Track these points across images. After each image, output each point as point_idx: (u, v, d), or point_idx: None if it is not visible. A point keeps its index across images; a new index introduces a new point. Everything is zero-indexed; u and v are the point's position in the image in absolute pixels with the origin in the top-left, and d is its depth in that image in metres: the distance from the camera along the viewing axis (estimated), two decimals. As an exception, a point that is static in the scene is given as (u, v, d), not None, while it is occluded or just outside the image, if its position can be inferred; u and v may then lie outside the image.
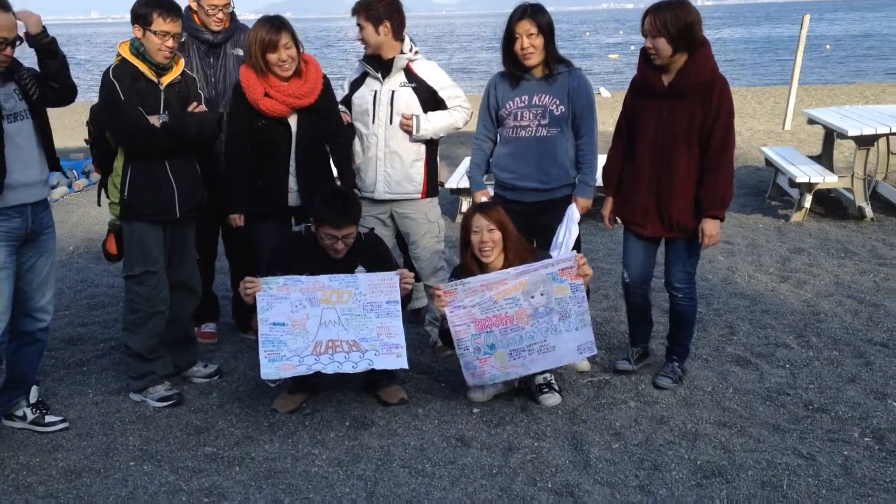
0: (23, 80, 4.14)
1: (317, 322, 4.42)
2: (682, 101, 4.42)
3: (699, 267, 5.84)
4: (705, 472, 3.91)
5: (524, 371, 4.54)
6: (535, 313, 4.47)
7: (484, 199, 5.00)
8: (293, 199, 4.99)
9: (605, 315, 5.98)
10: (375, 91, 5.09)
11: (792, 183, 8.52)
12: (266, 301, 4.40)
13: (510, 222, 4.60)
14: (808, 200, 8.39)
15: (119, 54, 4.55)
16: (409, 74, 5.10)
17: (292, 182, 4.97)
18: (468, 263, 4.66)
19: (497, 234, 4.55)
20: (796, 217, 8.49)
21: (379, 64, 5.08)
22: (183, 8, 4.77)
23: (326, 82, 4.99)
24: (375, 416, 4.57)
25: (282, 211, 5.03)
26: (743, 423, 4.38)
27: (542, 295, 4.47)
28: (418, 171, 5.19)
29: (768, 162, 9.58)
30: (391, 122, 5.07)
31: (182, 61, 4.76)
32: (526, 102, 4.77)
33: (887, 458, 3.98)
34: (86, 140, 4.86)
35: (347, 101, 5.21)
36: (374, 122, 5.08)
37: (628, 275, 4.90)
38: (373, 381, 4.75)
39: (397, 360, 4.46)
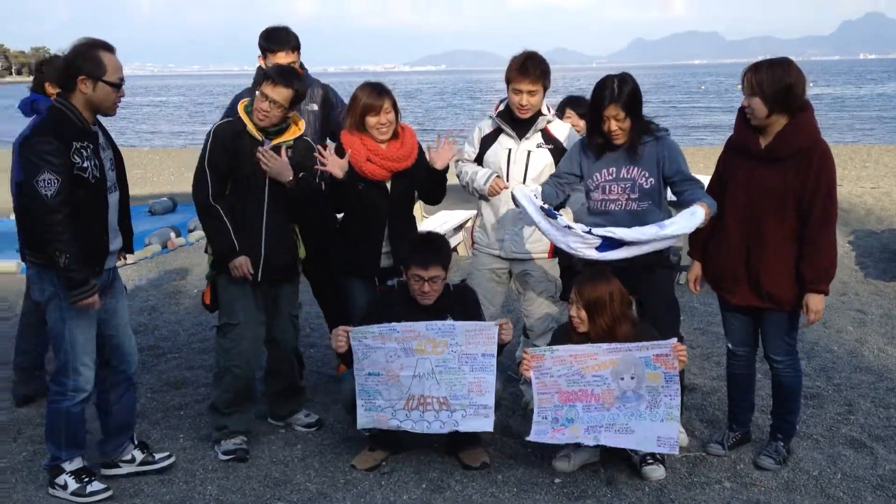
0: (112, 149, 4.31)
1: (411, 373, 4.38)
2: (777, 166, 4.16)
3: (825, 337, 5.41)
4: (796, 566, 3.58)
5: (593, 443, 4.32)
6: (622, 396, 4.25)
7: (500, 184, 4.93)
8: (384, 260, 4.99)
9: (714, 385, 5.66)
10: (510, 150, 5.04)
11: (936, 250, 7.93)
12: (361, 351, 4.38)
13: (612, 299, 4.29)
14: (953, 269, 7.78)
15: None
16: (546, 135, 5.06)
17: (385, 244, 4.97)
18: (570, 328, 4.49)
19: (584, 314, 4.35)
20: (940, 287, 7.88)
21: (513, 121, 5.04)
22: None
23: (421, 149, 5.03)
24: (453, 479, 4.44)
25: (374, 272, 5.02)
26: (847, 513, 4.01)
27: (632, 378, 4.24)
28: None
29: (912, 226, 8.97)
30: (524, 182, 4.99)
31: (303, 127, 4.85)
32: (614, 175, 4.54)
33: None
34: None
35: (479, 158, 5.16)
36: (507, 181, 5.02)
37: (731, 342, 4.63)
38: (455, 442, 4.62)
39: (484, 422, 4.38)
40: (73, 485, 4.24)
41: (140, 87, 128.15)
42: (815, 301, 4.21)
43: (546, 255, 5.12)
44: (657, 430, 4.23)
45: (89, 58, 4.01)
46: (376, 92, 4.81)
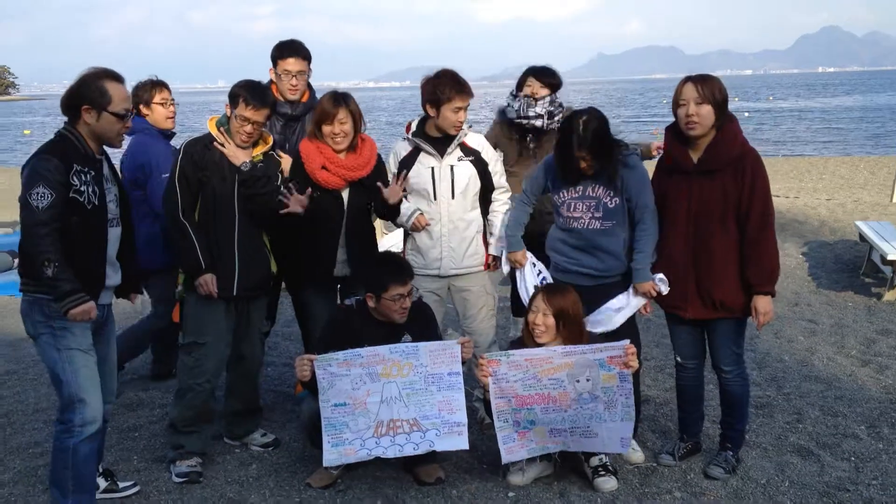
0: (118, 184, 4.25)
1: (378, 398, 4.37)
2: (712, 177, 4.26)
3: (776, 347, 5.48)
4: (743, 573, 3.65)
5: (563, 447, 4.41)
6: (578, 398, 4.32)
7: (522, 259, 4.95)
8: (339, 269, 5.01)
9: (667, 396, 5.74)
10: (433, 168, 5.05)
11: (884, 260, 8.10)
12: (327, 380, 4.34)
13: (574, 311, 4.42)
14: (901, 279, 7.95)
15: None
16: (465, 148, 5.09)
17: (340, 253, 4.99)
18: (525, 339, 4.55)
19: (551, 321, 4.41)
20: (889, 296, 8.06)
21: (431, 139, 5.06)
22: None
23: (380, 160, 5.07)
24: (408, 495, 4.46)
25: (328, 279, 5.05)
26: (793, 520, 4.09)
27: (587, 381, 4.31)
28: (479, 244, 5.17)
29: (862, 237, 9.15)
30: (452, 198, 5.05)
31: (270, 142, 4.88)
32: (580, 193, 4.61)
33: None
34: None
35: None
36: (435, 199, 5.06)
37: (679, 356, 4.71)
38: (412, 459, 4.64)
39: (459, 440, 4.41)
40: None
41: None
42: (762, 303, 4.30)
43: (482, 268, 5.20)
44: (618, 430, 4.31)
45: (94, 87, 3.93)
46: (334, 101, 4.82)
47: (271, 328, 6.41)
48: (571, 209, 4.65)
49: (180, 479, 4.66)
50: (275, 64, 5.58)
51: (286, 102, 5.54)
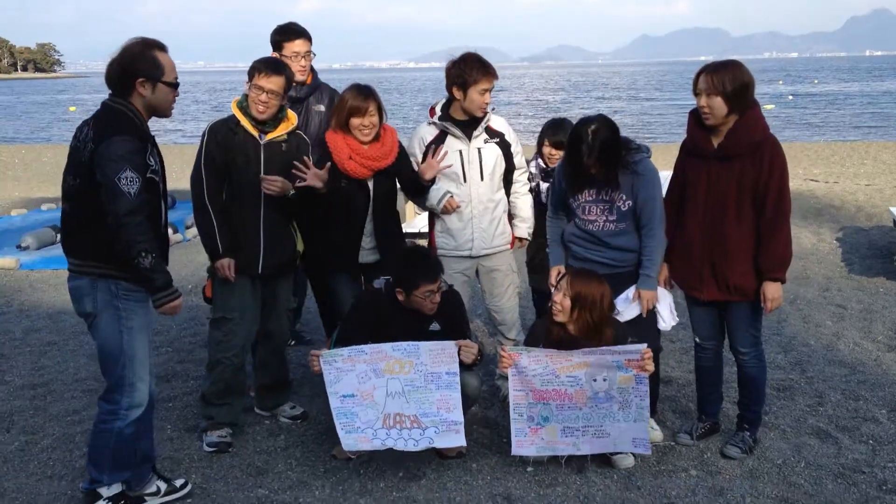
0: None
1: (384, 392, 4.48)
2: (731, 163, 4.30)
3: (803, 331, 5.47)
4: (752, 549, 3.73)
5: (573, 450, 4.49)
6: (594, 397, 4.40)
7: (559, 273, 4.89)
8: (365, 255, 5.13)
9: (690, 377, 5.76)
10: (461, 150, 5.14)
11: (917, 246, 8.05)
12: (333, 374, 4.46)
13: (592, 300, 4.42)
14: (933, 265, 7.90)
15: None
16: (490, 130, 5.20)
17: (367, 241, 5.11)
18: (550, 311, 4.64)
19: (567, 303, 4.49)
20: (920, 282, 8.01)
21: (457, 123, 5.15)
22: None
23: (402, 147, 5.16)
24: (430, 468, 4.59)
25: (353, 267, 5.17)
26: (807, 500, 4.16)
27: (604, 380, 4.39)
28: (506, 223, 5.30)
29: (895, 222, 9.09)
30: (482, 180, 5.15)
31: (294, 121, 4.95)
32: (594, 197, 4.67)
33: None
34: None
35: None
36: (465, 182, 5.16)
37: (698, 336, 4.78)
38: (434, 433, 4.76)
39: (456, 437, 4.51)
40: None
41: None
42: (771, 289, 4.35)
43: (509, 246, 5.35)
44: (631, 430, 4.39)
45: (147, 59, 3.85)
46: (363, 95, 4.92)
47: (300, 304, 6.57)
48: (586, 212, 4.73)
49: (211, 449, 4.83)
50: (279, 47, 5.67)
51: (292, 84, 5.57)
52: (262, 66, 4.73)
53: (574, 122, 4.83)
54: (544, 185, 5.54)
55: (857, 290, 8.06)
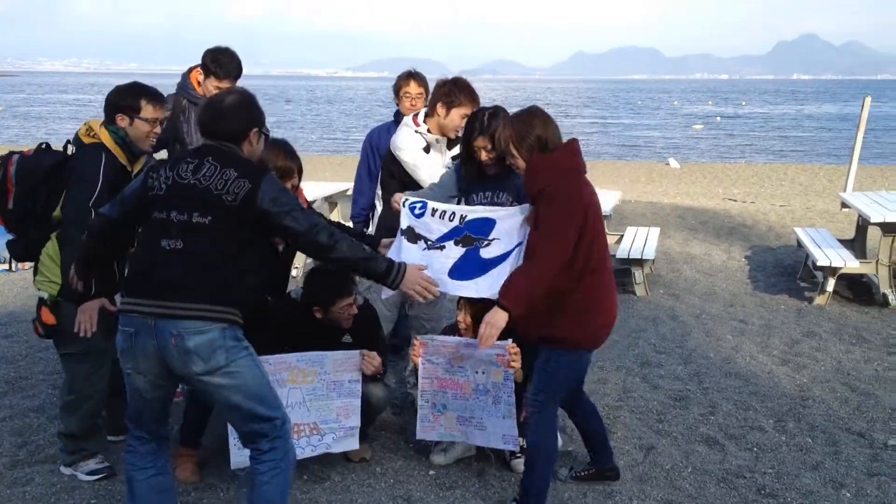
0: None
1: (283, 404, 4.54)
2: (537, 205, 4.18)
3: (703, 344, 5.65)
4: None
5: (464, 439, 4.67)
6: (476, 389, 4.58)
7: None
8: None
9: (592, 388, 6.03)
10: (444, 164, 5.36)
11: (815, 266, 8.45)
12: None
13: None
14: (830, 284, 8.30)
15: (96, 135, 4.42)
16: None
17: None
18: (456, 326, 4.83)
19: (469, 319, 4.66)
20: (819, 300, 8.40)
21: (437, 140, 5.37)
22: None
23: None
24: (335, 471, 4.73)
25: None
26: (689, 502, 4.40)
27: (482, 374, 4.55)
28: None
29: (800, 243, 9.51)
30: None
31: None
32: (489, 199, 4.79)
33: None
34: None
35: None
36: None
37: None
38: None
39: (352, 441, 4.72)
40: None
41: (73, 85, 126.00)
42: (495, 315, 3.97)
43: None
44: (501, 427, 4.54)
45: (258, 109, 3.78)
46: (289, 157, 4.62)
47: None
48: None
49: (93, 477, 4.60)
50: (207, 74, 5.67)
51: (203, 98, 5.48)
52: (152, 98, 4.49)
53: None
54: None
55: (760, 306, 8.43)
